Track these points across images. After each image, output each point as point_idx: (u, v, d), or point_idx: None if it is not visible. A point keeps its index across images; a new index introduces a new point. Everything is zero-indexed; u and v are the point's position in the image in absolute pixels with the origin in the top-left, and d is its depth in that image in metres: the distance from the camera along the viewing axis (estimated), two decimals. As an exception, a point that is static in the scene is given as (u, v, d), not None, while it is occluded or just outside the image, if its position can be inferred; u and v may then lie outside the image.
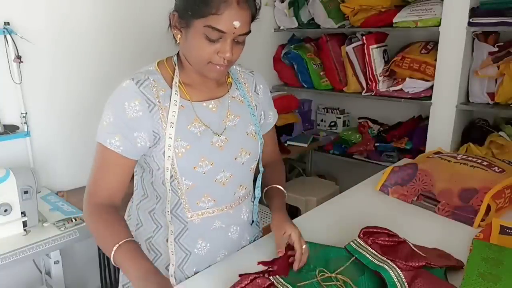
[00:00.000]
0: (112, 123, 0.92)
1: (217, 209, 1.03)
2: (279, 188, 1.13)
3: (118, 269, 1.14)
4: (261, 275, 0.91)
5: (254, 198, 1.14)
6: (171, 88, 0.96)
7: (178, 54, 1.01)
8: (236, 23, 0.87)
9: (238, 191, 1.06)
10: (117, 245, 0.85)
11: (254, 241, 1.16)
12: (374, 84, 2.56)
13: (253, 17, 0.92)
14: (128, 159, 0.94)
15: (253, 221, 1.15)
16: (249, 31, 0.92)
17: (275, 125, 1.21)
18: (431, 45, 2.40)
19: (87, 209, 0.95)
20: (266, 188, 1.14)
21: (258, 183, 1.12)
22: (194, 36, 0.89)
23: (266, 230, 1.16)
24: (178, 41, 0.95)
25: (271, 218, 1.06)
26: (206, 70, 0.94)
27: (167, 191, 0.98)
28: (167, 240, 1.02)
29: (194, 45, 0.91)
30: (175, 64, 1.00)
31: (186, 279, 1.02)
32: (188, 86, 0.99)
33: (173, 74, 0.98)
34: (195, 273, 1.03)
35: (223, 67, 0.92)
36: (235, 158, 1.02)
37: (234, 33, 0.88)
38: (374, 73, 2.53)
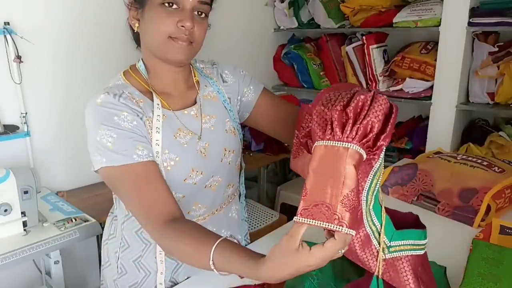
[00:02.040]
0: (119, 140, 0.83)
1: (208, 214, 1.02)
2: None
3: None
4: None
5: (240, 194, 1.12)
6: (148, 98, 0.91)
7: (143, 60, 0.96)
8: None
9: (227, 190, 1.05)
10: (211, 262, 0.73)
11: (245, 236, 1.16)
12: (374, 84, 2.56)
13: None
14: (157, 165, 0.87)
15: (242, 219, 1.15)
16: (210, 4, 0.89)
17: (268, 92, 1.09)
18: (431, 45, 2.40)
19: (158, 237, 0.82)
20: None
21: (242, 179, 1.10)
22: (150, 11, 0.85)
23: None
24: (136, 30, 0.91)
25: None
26: (168, 50, 0.87)
27: None
28: (156, 257, 0.97)
29: (152, 20, 0.86)
30: (143, 73, 0.94)
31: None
32: (161, 94, 0.94)
33: (143, 82, 0.93)
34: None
35: (185, 42, 0.86)
36: (221, 160, 0.99)
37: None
38: (374, 73, 2.53)
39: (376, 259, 0.68)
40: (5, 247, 1.40)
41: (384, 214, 0.70)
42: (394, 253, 0.70)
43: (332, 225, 0.57)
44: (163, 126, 0.90)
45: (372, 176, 0.66)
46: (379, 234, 0.68)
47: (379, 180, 0.69)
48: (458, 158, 1.42)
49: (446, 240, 1.14)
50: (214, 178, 0.98)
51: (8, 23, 1.75)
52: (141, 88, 0.93)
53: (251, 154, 2.55)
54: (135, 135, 0.85)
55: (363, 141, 0.60)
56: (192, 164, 0.93)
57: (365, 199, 0.67)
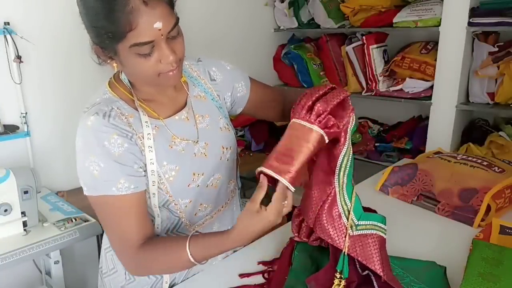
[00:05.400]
0: (105, 170, 0.83)
1: (215, 212, 1.03)
2: None
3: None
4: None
5: (239, 188, 1.13)
6: (137, 111, 0.89)
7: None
8: (158, 25, 0.76)
9: (229, 186, 1.06)
10: (189, 253, 0.83)
11: None
12: (374, 84, 2.56)
13: (171, 4, 0.81)
14: (142, 192, 0.88)
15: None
16: (177, 21, 0.81)
17: (254, 81, 1.11)
18: (431, 45, 2.40)
19: (134, 262, 0.89)
20: None
21: (238, 173, 1.11)
22: (127, 60, 0.81)
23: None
24: (116, 70, 0.88)
25: None
26: (161, 82, 0.86)
27: (156, 216, 0.94)
28: None
29: (133, 67, 0.83)
30: (128, 85, 0.91)
31: None
32: (149, 102, 0.92)
33: (130, 95, 0.90)
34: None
35: (175, 69, 0.83)
36: (220, 158, 0.99)
37: (162, 35, 0.78)
38: (374, 73, 2.53)
39: (345, 236, 0.80)
40: (5, 247, 1.40)
41: (354, 195, 0.82)
42: (361, 231, 0.81)
43: (271, 173, 0.78)
44: (157, 139, 0.89)
45: (341, 157, 0.81)
46: (349, 213, 0.81)
47: (349, 161, 0.82)
48: (458, 158, 1.42)
49: (446, 240, 1.14)
50: (214, 176, 0.99)
51: (8, 23, 1.75)
52: (128, 99, 0.90)
53: (251, 154, 2.54)
54: (123, 166, 0.84)
55: (306, 117, 0.79)
56: (192, 168, 0.94)
57: (337, 177, 0.80)
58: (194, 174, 0.94)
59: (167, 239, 0.91)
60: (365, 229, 0.81)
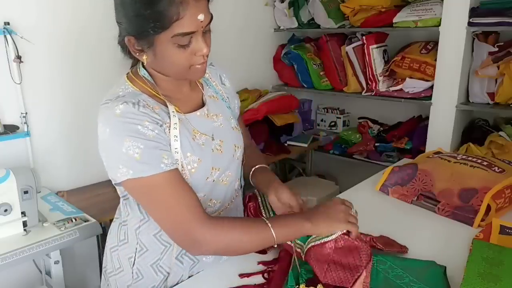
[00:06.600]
0: (146, 150, 0.84)
1: (222, 209, 1.04)
2: (266, 167, 1.14)
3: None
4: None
5: (241, 187, 1.15)
6: (161, 104, 0.92)
7: (142, 66, 0.95)
8: (201, 17, 0.83)
9: (235, 184, 1.08)
10: (272, 231, 0.87)
11: None
12: (374, 84, 2.56)
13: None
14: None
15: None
16: (212, 16, 0.88)
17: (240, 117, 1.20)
18: (431, 45, 2.40)
19: (208, 230, 0.86)
20: (253, 168, 1.13)
21: (241, 172, 1.13)
22: (164, 51, 0.85)
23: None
24: (145, 63, 0.90)
25: (268, 188, 1.05)
26: (189, 75, 0.91)
27: None
28: (175, 258, 0.99)
29: (167, 58, 0.86)
30: (149, 80, 0.94)
31: None
32: (167, 98, 0.94)
33: (150, 88, 0.93)
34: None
35: (205, 63, 0.90)
36: (233, 156, 1.03)
37: (202, 27, 0.84)
38: (374, 73, 2.54)
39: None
40: (5, 247, 1.40)
41: None
42: (307, 246, 0.93)
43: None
44: (181, 131, 0.91)
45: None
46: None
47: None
48: (458, 158, 1.42)
49: (446, 240, 1.14)
50: (225, 173, 1.02)
51: (8, 23, 1.75)
52: (150, 94, 0.92)
53: (251, 154, 2.54)
54: (160, 144, 0.86)
55: None
56: (212, 163, 0.97)
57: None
58: (213, 168, 0.97)
59: (238, 219, 0.99)
60: (307, 246, 0.93)
